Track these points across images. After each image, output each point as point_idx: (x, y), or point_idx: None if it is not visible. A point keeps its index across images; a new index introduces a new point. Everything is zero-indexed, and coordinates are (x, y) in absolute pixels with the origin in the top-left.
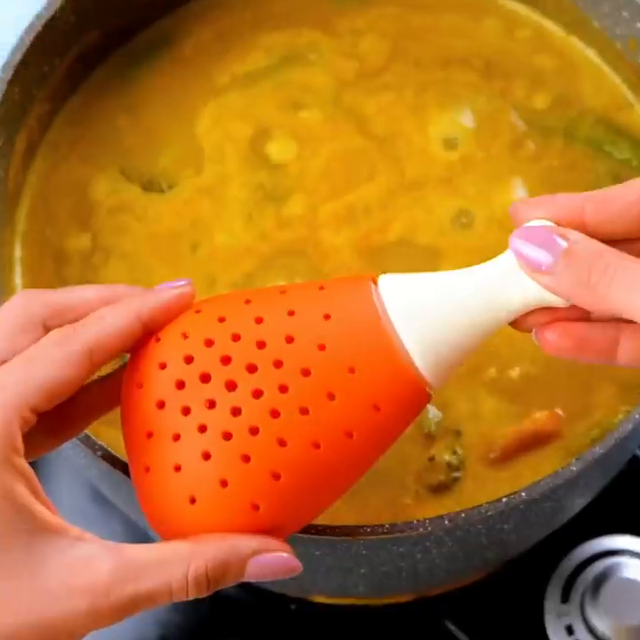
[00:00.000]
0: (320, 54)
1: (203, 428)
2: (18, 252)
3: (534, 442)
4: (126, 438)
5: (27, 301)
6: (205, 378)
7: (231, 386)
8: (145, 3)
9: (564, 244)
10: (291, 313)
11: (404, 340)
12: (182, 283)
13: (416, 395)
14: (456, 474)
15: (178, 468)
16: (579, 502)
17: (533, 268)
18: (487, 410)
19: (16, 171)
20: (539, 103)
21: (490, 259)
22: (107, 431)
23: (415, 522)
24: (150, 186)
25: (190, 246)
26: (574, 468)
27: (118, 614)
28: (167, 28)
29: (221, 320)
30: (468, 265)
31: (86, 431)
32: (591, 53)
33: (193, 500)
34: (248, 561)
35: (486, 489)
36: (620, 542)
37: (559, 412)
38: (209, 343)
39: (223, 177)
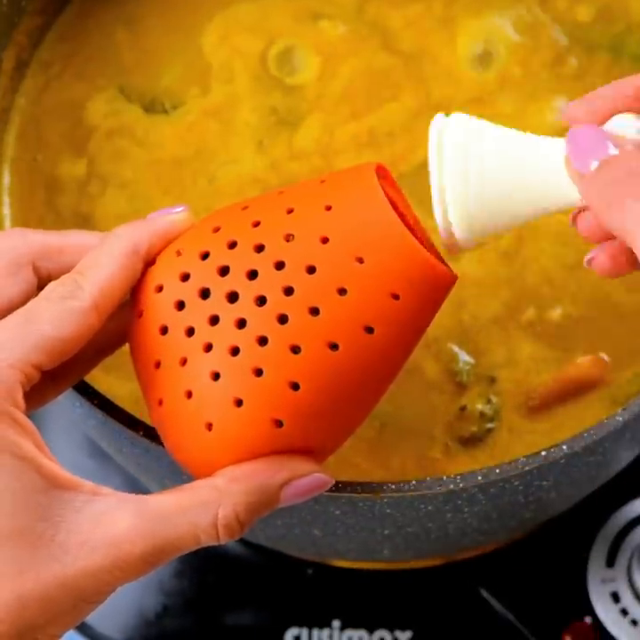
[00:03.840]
0: None
1: (208, 347)
2: (6, 179)
3: (576, 390)
4: (137, 373)
5: (13, 242)
6: (204, 293)
7: (232, 297)
8: None
9: (609, 152)
10: (289, 211)
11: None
12: (179, 209)
13: (437, 275)
14: (490, 425)
15: (189, 395)
16: (625, 456)
17: (573, 167)
18: (524, 355)
19: (4, 91)
20: (581, 15)
21: None
22: (104, 378)
23: (445, 477)
24: (152, 106)
25: (195, 175)
26: (620, 419)
27: (144, 567)
28: None
29: (216, 230)
30: None
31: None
32: None
33: (209, 426)
34: (280, 493)
35: (523, 441)
36: None
37: (604, 356)
38: (204, 256)
39: (232, 98)
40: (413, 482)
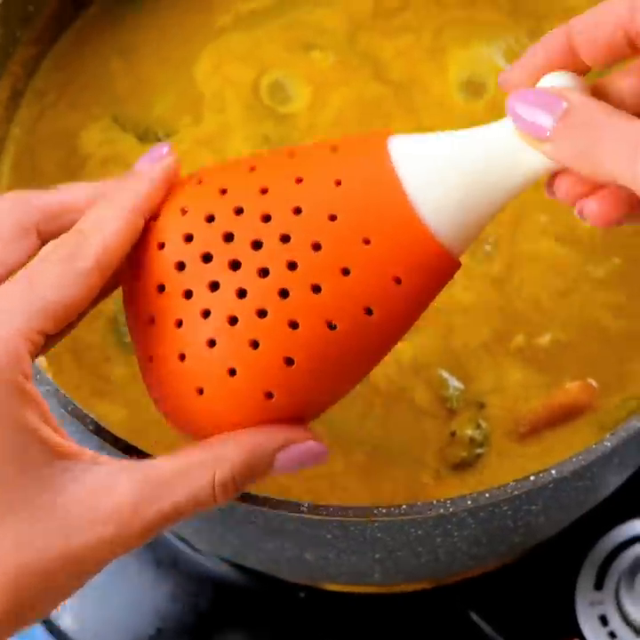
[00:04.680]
0: None
1: (206, 313)
2: None
3: (565, 415)
4: (129, 324)
5: (17, 205)
6: (207, 257)
7: (234, 265)
8: None
9: (563, 105)
10: (298, 180)
11: (423, 203)
12: (163, 151)
13: (441, 263)
14: (479, 450)
15: (182, 357)
16: (613, 481)
17: (532, 136)
18: (513, 381)
19: None
20: None
21: None
22: (100, 404)
23: (435, 502)
24: (146, 136)
25: None
26: (609, 444)
27: (146, 534)
28: None
29: (223, 192)
30: None
31: (76, 403)
32: None
33: (200, 391)
34: (275, 457)
35: (512, 466)
36: None
37: (592, 382)
38: (209, 219)
39: (225, 127)
40: (404, 506)
